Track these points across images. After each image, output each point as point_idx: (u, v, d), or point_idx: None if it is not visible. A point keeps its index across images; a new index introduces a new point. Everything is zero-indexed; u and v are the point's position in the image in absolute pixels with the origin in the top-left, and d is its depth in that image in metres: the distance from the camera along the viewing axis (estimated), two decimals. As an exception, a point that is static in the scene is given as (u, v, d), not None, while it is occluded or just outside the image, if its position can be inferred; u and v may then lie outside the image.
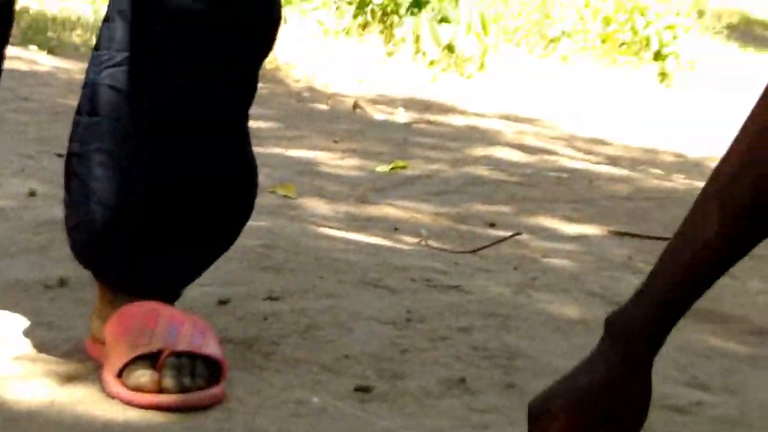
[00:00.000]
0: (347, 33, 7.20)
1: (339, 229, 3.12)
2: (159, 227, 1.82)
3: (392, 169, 4.28)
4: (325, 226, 3.13)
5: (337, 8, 7.30)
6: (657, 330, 1.51)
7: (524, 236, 3.31)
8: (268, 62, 6.26)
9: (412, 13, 7.21)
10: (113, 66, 1.78)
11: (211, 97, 1.84)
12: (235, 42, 1.83)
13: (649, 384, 1.52)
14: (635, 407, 1.52)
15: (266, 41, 1.90)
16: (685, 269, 1.51)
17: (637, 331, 1.52)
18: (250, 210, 1.96)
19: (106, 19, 1.82)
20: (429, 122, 5.92)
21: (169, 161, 1.81)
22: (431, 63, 7.24)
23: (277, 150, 4.34)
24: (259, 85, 5.77)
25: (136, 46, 1.78)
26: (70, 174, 1.85)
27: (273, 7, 1.88)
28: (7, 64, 1.96)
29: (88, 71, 1.82)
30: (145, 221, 1.81)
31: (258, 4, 1.85)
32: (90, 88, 1.81)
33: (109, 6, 1.82)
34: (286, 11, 6.76)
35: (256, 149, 4.09)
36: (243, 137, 1.92)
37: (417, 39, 7.20)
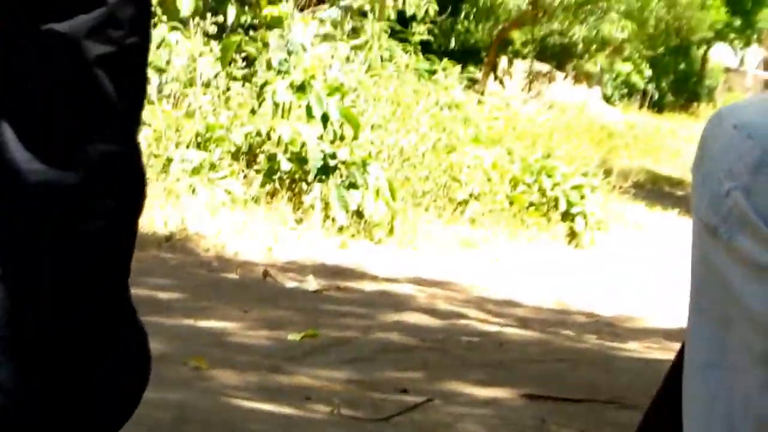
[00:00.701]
0: (256, 201, 7.29)
1: (251, 399, 3.14)
2: (58, 408, 1.84)
3: (303, 337, 4.32)
4: (237, 397, 3.15)
5: (245, 177, 7.41)
6: None
7: (436, 402, 3.36)
8: (178, 232, 6.34)
9: (321, 180, 7.33)
10: None
11: (86, 268, 1.82)
12: (105, 210, 1.85)
13: None
14: None
15: (135, 205, 1.92)
16: None
17: None
18: (146, 378, 1.97)
19: None
20: (339, 289, 5.98)
21: (57, 339, 1.82)
22: (340, 229, 7.34)
23: (187, 321, 4.36)
24: (169, 255, 5.79)
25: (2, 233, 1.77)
26: None
27: (138, 167, 1.91)
28: None
29: None
30: (44, 402, 1.83)
31: (124, 167, 1.87)
32: None
33: None
34: (194, 182, 6.86)
35: (167, 321, 4.11)
36: (128, 305, 1.94)
37: (326, 205, 7.31)
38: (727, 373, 1.53)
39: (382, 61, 10.12)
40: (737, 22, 33.71)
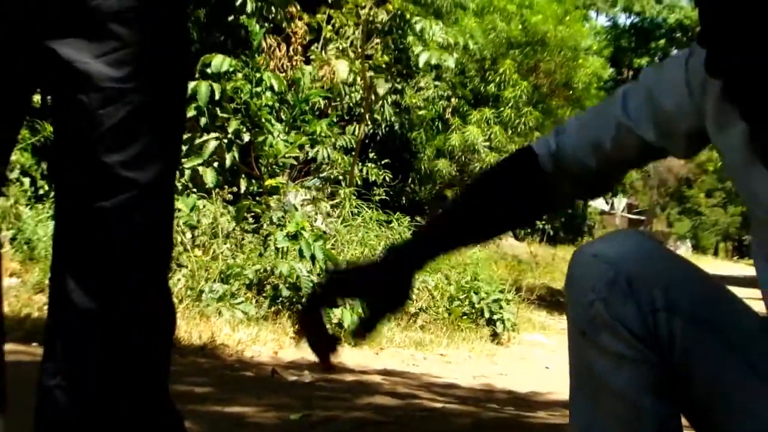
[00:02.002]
0: (265, 319, 7.28)
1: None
2: None
3: (302, 417, 4.31)
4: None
5: (256, 302, 7.41)
6: (419, 253, 1.77)
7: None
8: (209, 343, 6.33)
9: (311, 302, 7.34)
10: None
11: (133, 372, 1.82)
12: (142, 335, 1.83)
13: (407, 282, 1.75)
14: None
15: (169, 328, 1.92)
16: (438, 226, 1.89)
17: (402, 250, 1.78)
18: None
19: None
20: (327, 380, 5.96)
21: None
22: (326, 337, 7.32)
23: (216, 408, 4.35)
24: (203, 360, 5.72)
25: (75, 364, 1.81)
26: None
27: (168, 301, 1.92)
28: (12, 358, 1.99)
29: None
30: None
31: (157, 299, 1.88)
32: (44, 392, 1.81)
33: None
34: (219, 306, 6.85)
35: (201, 408, 4.08)
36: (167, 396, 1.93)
37: (315, 320, 7.31)
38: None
39: (352, 215, 10.22)
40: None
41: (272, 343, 6.88)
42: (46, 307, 1.85)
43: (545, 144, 1.84)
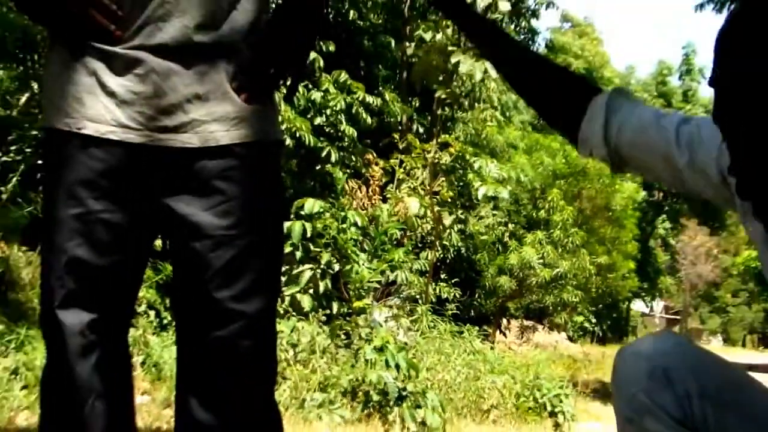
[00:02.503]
0: (359, 421, 7.27)
1: None
2: None
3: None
4: None
5: (350, 407, 7.41)
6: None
7: None
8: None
9: (398, 405, 7.31)
10: None
11: None
12: None
13: None
14: None
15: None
16: None
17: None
18: None
19: None
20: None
21: None
22: None
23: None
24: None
25: None
26: None
27: (275, 409, 1.89)
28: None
29: None
30: None
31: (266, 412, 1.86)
32: None
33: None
34: (320, 412, 6.86)
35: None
36: None
37: (402, 420, 7.27)
38: None
39: (429, 328, 10.22)
40: (645, 285, 33.55)
41: (367, 442, 6.84)
42: (173, 421, 1.86)
43: (600, 115, 1.83)
